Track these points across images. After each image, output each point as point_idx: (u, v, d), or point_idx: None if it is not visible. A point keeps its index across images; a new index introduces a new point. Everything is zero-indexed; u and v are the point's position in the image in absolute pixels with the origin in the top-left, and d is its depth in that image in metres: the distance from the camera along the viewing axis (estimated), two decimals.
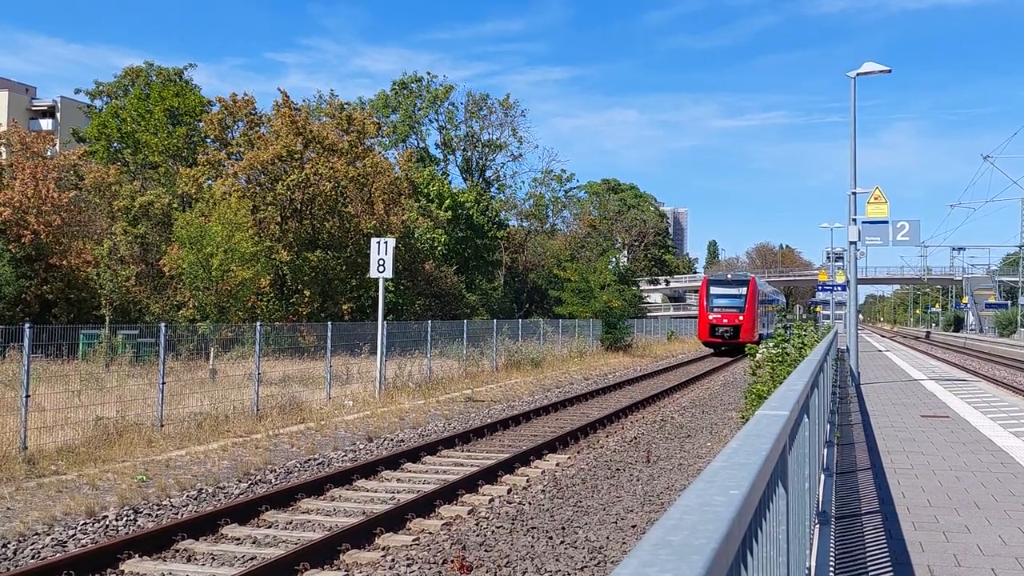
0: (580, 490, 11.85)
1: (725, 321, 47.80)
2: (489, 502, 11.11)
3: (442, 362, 27.67)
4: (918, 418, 14.04)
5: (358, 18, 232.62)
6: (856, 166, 22.45)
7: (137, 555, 8.43)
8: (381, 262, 21.43)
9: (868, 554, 6.10)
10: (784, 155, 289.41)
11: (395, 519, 9.81)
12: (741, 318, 47.57)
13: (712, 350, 49.84)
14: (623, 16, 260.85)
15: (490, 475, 12.52)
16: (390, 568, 8.28)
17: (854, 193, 22.19)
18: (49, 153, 42.49)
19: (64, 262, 35.63)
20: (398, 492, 11.65)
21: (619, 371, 34.62)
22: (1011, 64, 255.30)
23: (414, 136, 66.97)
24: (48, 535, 9.17)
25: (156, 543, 8.77)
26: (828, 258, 53.09)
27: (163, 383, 15.79)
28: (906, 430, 12.53)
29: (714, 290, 49.49)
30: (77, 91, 58.27)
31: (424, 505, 10.51)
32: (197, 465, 12.84)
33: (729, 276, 53.73)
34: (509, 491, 11.77)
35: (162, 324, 17.23)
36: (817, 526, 6.23)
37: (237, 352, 25.58)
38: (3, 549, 8.67)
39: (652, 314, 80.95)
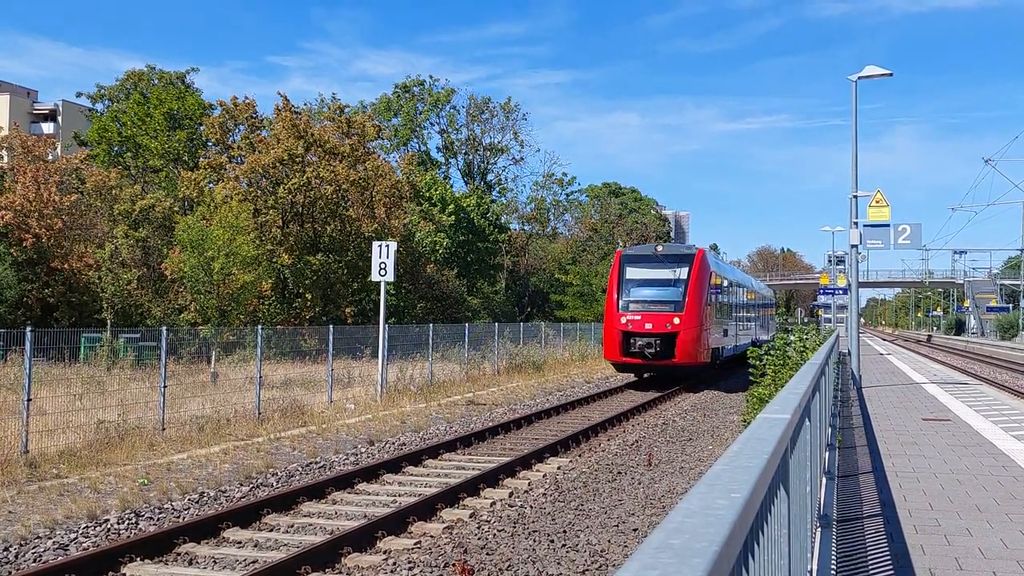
0: (581, 493, 11.85)
1: (648, 327, 27.12)
2: (491, 505, 11.11)
3: (443, 365, 27.67)
4: (920, 421, 14.04)
5: (360, 21, 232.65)
6: (857, 169, 22.46)
7: (139, 558, 8.43)
8: (382, 265, 21.45)
9: (870, 557, 6.10)
10: (786, 158, 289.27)
11: (397, 522, 9.81)
12: (677, 321, 27.06)
13: (633, 375, 29.68)
14: (625, 20, 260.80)
15: (491, 478, 12.52)
16: (392, 571, 8.28)
17: (855, 196, 22.20)
18: (50, 157, 42.58)
19: (66, 265, 35.67)
20: (399, 495, 11.65)
21: (621, 374, 34.59)
22: (1013, 68, 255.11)
23: (415, 139, 67.05)
24: (50, 538, 9.18)
25: (157, 546, 8.77)
26: (830, 261, 52.69)
27: (164, 386, 15.80)
28: (908, 433, 12.52)
29: (631, 272, 28.69)
30: (79, 95, 58.39)
31: (425, 508, 10.51)
32: (198, 468, 12.84)
33: (659, 249, 30.18)
34: (511, 494, 11.77)
35: (164, 327, 17.25)
36: (819, 529, 6.22)
37: (238, 355, 25.60)
38: (5, 552, 8.67)
39: None
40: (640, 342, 26.98)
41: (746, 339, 38.51)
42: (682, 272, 27.98)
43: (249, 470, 12.88)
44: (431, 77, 67.82)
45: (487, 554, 8.85)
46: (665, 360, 27.10)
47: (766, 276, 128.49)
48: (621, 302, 27.76)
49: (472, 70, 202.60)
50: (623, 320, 27.30)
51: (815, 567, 5.26)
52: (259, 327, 20.13)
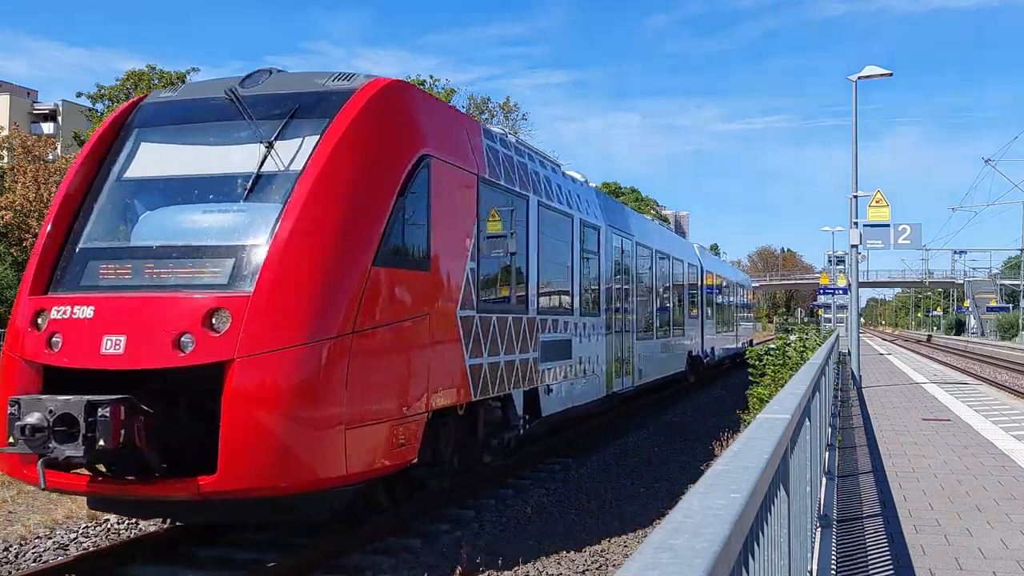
0: (583, 492, 11.85)
1: (113, 349, 7.11)
2: (493, 505, 11.10)
3: None
4: (920, 421, 14.04)
5: (360, 21, 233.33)
6: (857, 170, 22.52)
7: (140, 559, 8.43)
8: None
9: (870, 557, 6.11)
10: (786, 158, 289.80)
11: (400, 522, 9.80)
12: (224, 322, 7.08)
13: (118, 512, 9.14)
14: (625, 20, 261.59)
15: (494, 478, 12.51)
16: (394, 571, 8.28)
17: (855, 196, 22.24)
18: (51, 157, 42.61)
19: None
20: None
21: None
22: (1013, 68, 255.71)
23: None
24: (50, 539, 9.18)
25: (160, 547, 8.77)
26: (830, 261, 52.70)
27: None
28: (908, 433, 12.53)
29: (148, 159, 8.78)
30: (79, 95, 58.36)
31: (431, 508, 10.50)
32: None
33: (238, 89, 8.61)
34: (513, 494, 11.76)
35: None
36: (819, 529, 6.23)
37: None
38: (5, 552, 8.68)
39: None
40: (61, 410, 6.85)
41: (657, 365, 20.17)
42: (286, 151, 8.23)
43: None
44: (431, 77, 67.66)
45: (488, 554, 8.86)
46: (165, 486, 7.26)
47: (767, 276, 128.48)
48: (65, 257, 8.28)
49: (472, 70, 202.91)
50: (40, 321, 7.71)
51: (815, 567, 5.27)
52: None
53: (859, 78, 22.10)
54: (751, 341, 42.19)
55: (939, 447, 11.16)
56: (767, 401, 6.20)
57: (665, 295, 21.58)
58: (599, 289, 15.37)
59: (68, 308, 7.54)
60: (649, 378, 19.18)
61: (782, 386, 6.20)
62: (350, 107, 8.23)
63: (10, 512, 10.02)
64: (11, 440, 7.06)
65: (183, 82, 53.40)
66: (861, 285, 33.07)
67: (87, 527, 9.64)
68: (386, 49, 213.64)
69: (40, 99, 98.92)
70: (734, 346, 33.97)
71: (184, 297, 7.29)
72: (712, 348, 28.24)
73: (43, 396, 7.04)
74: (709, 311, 28.07)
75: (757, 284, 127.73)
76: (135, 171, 8.75)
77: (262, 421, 6.95)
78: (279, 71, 9.07)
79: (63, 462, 6.89)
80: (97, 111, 55.27)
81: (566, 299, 13.62)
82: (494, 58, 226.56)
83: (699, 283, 26.55)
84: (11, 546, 8.86)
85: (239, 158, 8.32)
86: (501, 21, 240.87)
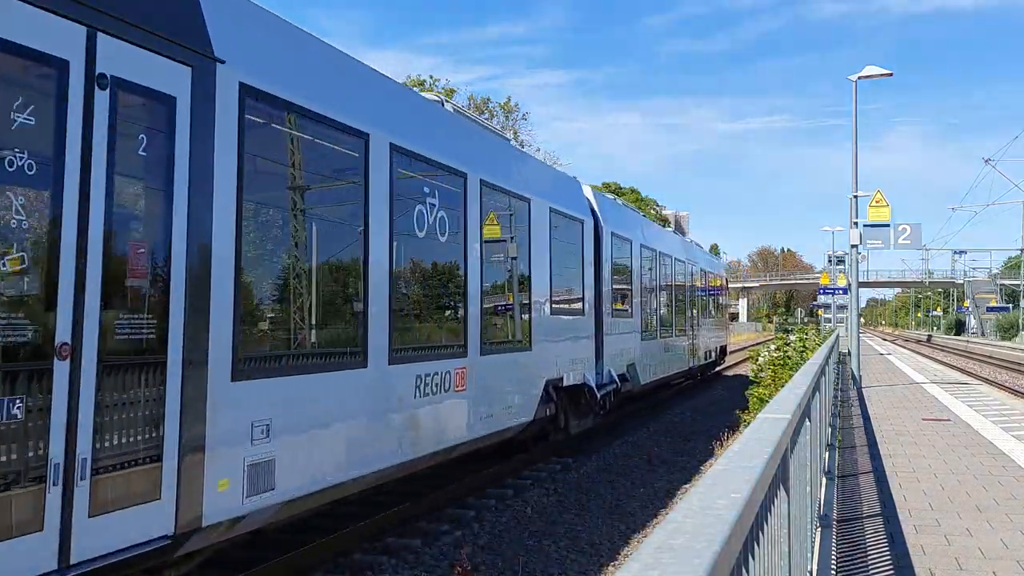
0: (583, 492, 11.86)
1: None
2: (493, 505, 11.11)
3: None
4: (920, 421, 14.05)
5: (359, 21, 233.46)
6: (857, 169, 22.53)
7: None
8: None
9: (870, 558, 6.11)
10: (786, 158, 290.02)
11: (403, 522, 9.82)
12: None
13: None
14: (625, 20, 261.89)
15: (494, 477, 12.52)
16: (394, 571, 8.28)
17: (855, 196, 22.24)
18: None
19: None
20: (406, 495, 11.64)
21: None
22: (1013, 68, 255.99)
23: None
24: None
25: None
26: (830, 261, 52.67)
27: None
28: (908, 433, 12.53)
29: None
30: None
31: (431, 508, 10.52)
32: None
33: None
34: (513, 494, 11.78)
35: None
36: (819, 529, 6.24)
37: None
38: None
39: None
40: None
41: (412, 432, 8.43)
42: None
43: None
44: (431, 77, 67.65)
45: (488, 554, 8.86)
46: None
47: (767, 276, 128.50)
48: None
49: (472, 70, 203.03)
50: None
51: (815, 567, 5.28)
52: None
53: (859, 78, 22.14)
54: (723, 349, 31.10)
55: (939, 447, 11.16)
56: (767, 401, 6.20)
57: (455, 270, 9.90)
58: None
59: None
60: (388, 461, 8.12)
61: (782, 386, 6.21)
62: None
63: None
64: None
65: None
66: (861, 285, 33.05)
67: None
68: (386, 49, 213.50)
69: None
70: (686, 360, 22.97)
71: None
72: (631, 366, 16.94)
73: None
74: (622, 305, 16.86)
75: (757, 284, 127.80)
76: None
77: None
78: None
79: None
80: None
81: None
82: (494, 58, 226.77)
83: (596, 254, 15.16)
84: None
85: None
86: (501, 21, 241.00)
